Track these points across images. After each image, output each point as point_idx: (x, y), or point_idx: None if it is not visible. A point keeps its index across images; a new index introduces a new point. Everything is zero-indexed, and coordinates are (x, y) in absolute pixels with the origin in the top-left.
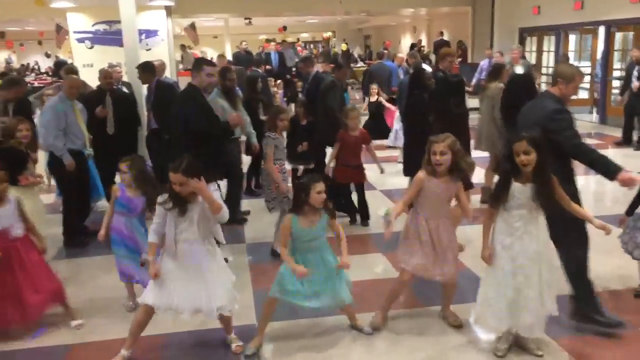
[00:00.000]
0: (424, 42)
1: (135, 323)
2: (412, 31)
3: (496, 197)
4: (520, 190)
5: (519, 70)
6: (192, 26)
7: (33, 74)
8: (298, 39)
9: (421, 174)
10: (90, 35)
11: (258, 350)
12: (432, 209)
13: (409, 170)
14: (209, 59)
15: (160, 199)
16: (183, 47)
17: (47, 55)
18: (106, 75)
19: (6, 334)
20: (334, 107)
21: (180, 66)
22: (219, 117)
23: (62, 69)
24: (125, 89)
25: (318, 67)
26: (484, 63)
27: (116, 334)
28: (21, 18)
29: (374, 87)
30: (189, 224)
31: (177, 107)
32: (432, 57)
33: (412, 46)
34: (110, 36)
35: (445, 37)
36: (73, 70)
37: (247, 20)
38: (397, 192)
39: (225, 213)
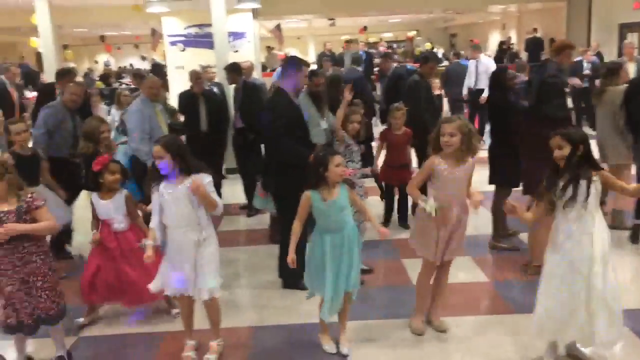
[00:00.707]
0: (513, 40)
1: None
2: (501, 28)
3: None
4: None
5: (632, 68)
6: (278, 27)
7: (129, 76)
8: (380, 39)
9: (432, 158)
10: (182, 38)
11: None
12: (447, 192)
13: (496, 178)
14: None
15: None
16: (269, 48)
17: (143, 58)
18: (197, 76)
19: (108, 317)
20: (418, 109)
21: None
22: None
23: (132, 74)
24: (216, 89)
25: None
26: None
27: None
28: (119, 23)
29: (436, 81)
30: (175, 207)
31: (267, 118)
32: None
33: (501, 44)
34: (201, 39)
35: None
36: (141, 75)
37: (331, 21)
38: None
39: (219, 208)
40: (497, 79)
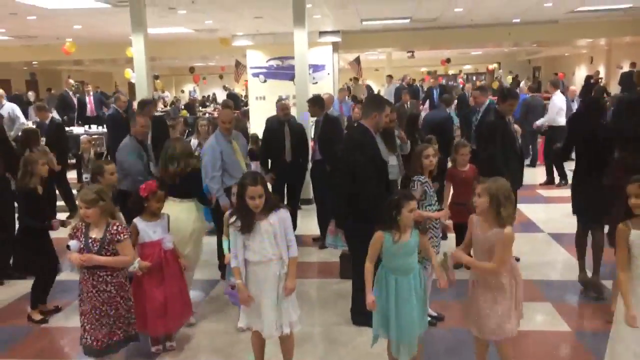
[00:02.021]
0: (601, 74)
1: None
2: (589, 62)
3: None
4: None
5: None
6: (357, 60)
7: (212, 105)
8: (460, 71)
9: (472, 215)
10: (264, 70)
11: None
12: (477, 257)
13: (579, 209)
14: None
15: (230, 219)
16: (355, 79)
17: (225, 89)
18: (283, 107)
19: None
20: (495, 154)
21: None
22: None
23: (222, 102)
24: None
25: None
26: None
27: None
28: (207, 55)
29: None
30: (259, 242)
31: (346, 152)
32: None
33: (588, 78)
34: (281, 71)
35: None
36: (227, 105)
37: (409, 53)
38: (568, 236)
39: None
40: (597, 108)
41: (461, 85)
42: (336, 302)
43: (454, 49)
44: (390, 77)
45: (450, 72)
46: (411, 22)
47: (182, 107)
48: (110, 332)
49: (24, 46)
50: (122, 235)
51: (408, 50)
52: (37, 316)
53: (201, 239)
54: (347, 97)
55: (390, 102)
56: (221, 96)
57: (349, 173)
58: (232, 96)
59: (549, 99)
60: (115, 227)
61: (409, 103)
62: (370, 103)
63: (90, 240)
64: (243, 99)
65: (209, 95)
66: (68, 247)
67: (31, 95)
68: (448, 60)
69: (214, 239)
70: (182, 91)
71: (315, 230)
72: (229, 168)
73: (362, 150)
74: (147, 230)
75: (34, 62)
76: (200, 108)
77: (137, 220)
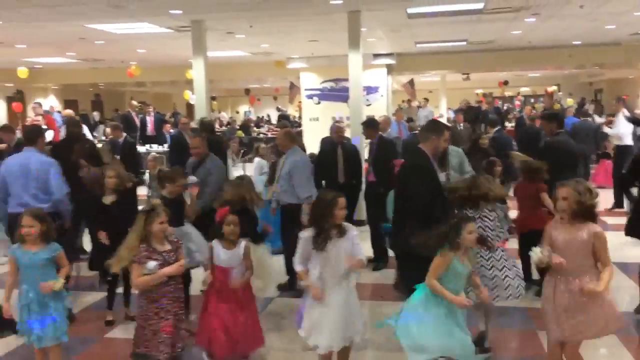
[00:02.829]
0: None
1: None
2: None
3: None
4: None
5: None
6: (411, 83)
7: (266, 125)
8: (518, 93)
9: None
10: (318, 92)
11: None
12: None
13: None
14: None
15: (307, 233)
16: (409, 101)
17: (278, 110)
18: (337, 129)
19: None
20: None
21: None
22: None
23: (278, 123)
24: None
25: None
26: None
27: None
28: (262, 77)
29: None
30: (334, 258)
31: (403, 175)
32: None
33: None
34: (335, 93)
35: None
36: (285, 125)
37: (464, 76)
38: (633, 266)
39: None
40: None
41: (517, 108)
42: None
43: (511, 71)
44: (426, 100)
45: (507, 93)
46: (467, 44)
47: (238, 127)
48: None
49: (91, 69)
50: (179, 242)
51: (463, 72)
52: (110, 316)
53: (269, 271)
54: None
55: (448, 125)
56: (275, 117)
57: (405, 196)
58: (283, 117)
59: (611, 122)
60: (172, 236)
61: (462, 125)
62: (429, 127)
63: (164, 253)
64: (297, 120)
65: (262, 116)
66: (154, 267)
67: (96, 115)
68: (505, 83)
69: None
70: (237, 112)
71: (368, 252)
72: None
73: (420, 174)
74: (220, 255)
75: (99, 84)
76: (254, 128)
77: (214, 242)
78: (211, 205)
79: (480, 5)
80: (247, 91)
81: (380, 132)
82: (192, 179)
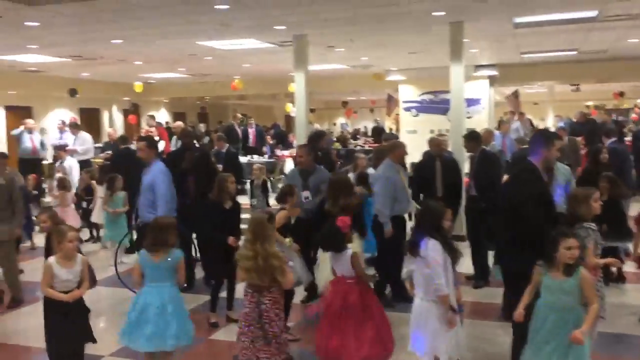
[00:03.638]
0: None
1: None
2: None
3: None
4: None
5: None
6: (515, 94)
7: (362, 138)
8: (635, 105)
9: None
10: (416, 104)
11: None
12: None
13: None
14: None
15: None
16: (512, 113)
17: (376, 122)
18: (438, 143)
19: None
20: None
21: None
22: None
23: (383, 135)
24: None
25: None
26: None
27: None
28: (359, 89)
29: None
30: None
31: (511, 190)
32: None
33: None
34: (434, 105)
35: None
36: (393, 136)
37: (573, 87)
38: None
39: None
40: None
41: (634, 120)
42: (491, 342)
43: (627, 82)
44: (512, 112)
45: (624, 106)
46: (577, 54)
47: (335, 139)
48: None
49: (198, 83)
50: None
51: (572, 83)
52: (214, 318)
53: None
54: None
55: (557, 134)
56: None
57: (513, 212)
58: (377, 129)
59: None
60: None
61: (566, 139)
62: (537, 140)
63: None
64: (393, 132)
65: (359, 128)
66: None
67: (202, 127)
68: (621, 94)
69: None
70: (334, 124)
71: (469, 268)
72: (396, 195)
73: (528, 189)
74: (336, 262)
75: (206, 97)
76: (351, 140)
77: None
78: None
79: (594, 13)
80: (345, 103)
81: (482, 146)
82: (305, 194)
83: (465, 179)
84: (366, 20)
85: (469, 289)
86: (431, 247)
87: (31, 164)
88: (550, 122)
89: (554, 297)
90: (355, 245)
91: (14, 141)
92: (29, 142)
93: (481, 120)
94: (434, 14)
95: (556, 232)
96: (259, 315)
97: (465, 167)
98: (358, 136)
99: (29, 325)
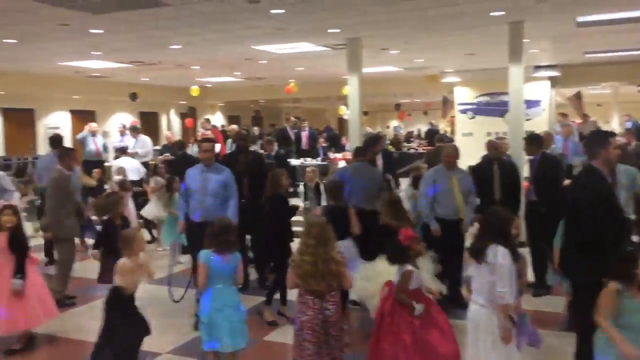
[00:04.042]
0: None
1: None
2: None
3: None
4: None
5: None
6: (578, 95)
7: (416, 141)
8: None
9: None
10: (472, 106)
11: None
12: None
13: None
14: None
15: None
16: (585, 116)
17: (431, 125)
18: (496, 146)
19: None
20: None
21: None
22: None
23: (436, 137)
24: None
25: None
26: None
27: None
28: (413, 92)
29: None
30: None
31: (573, 195)
32: None
33: None
34: (491, 107)
35: None
36: (444, 139)
37: None
38: None
39: None
40: None
41: None
42: (557, 356)
43: None
44: (563, 115)
45: None
46: None
47: (388, 142)
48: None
49: (253, 86)
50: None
51: (639, 84)
52: (269, 317)
53: None
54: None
55: (612, 132)
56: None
57: (575, 217)
58: (430, 132)
59: None
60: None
61: (633, 144)
62: (593, 142)
63: None
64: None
65: (412, 131)
66: None
67: (256, 130)
68: None
69: None
70: (387, 127)
71: (529, 276)
72: (440, 198)
73: (590, 192)
74: (396, 274)
75: (260, 101)
76: (404, 144)
77: (409, 267)
78: None
79: None
80: (398, 106)
81: (543, 149)
82: None
83: (524, 183)
84: (421, 22)
85: (528, 297)
86: (501, 255)
87: (95, 165)
88: (615, 124)
89: (632, 319)
90: (422, 261)
91: (78, 144)
92: (93, 144)
93: (541, 122)
94: (492, 14)
95: (635, 247)
96: (324, 321)
97: (525, 171)
98: (412, 139)
99: (83, 321)
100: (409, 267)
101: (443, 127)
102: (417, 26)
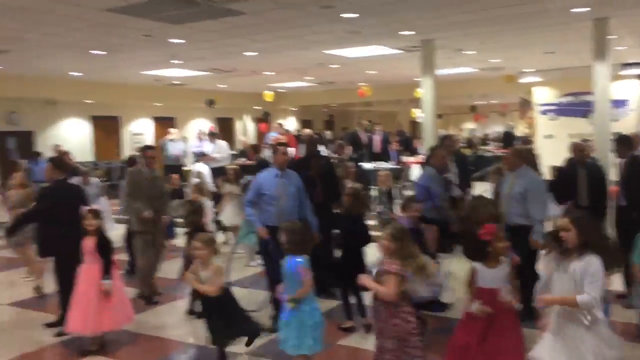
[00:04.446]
0: None
1: None
2: None
3: None
4: None
5: None
6: None
7: (493, 143)
8: None
9: None
10: (554, 107)
11: None
12: None
13: None
14: None
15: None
16: None
17: (508, 127)
18: (582, 148)
19: None
20: None
21: None
22: None
23: (516, 140)
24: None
25: None
26: None
27: None
28: (489, 93)
29: None
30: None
31: None
32: None
33: None
34: (574, 107)
35: None
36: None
37: None
38: None
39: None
40: None
41: None
42: None
43: None
44: None
45: None
46: None
47: (463, 144)
48: None
49: (325, 91)
50: (390, 268)
51: None
52: (348, 323)
53: None
54: None
55: None
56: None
57: None
58: (506, 134)
59: None
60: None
61: None
62: None
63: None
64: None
65: (487, 134)
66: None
67: (328, 134)
68: None
69: None
70: (461, 129)
71: (619, 285)
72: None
73: None
74: (485, 276)
75: (332, 105)
76: (480, 146)
77: (477, 264)
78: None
79: None
80: (473, 108)
81: (632, 151)
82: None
83: (613, 188)
84: (498, 21)
85: (618, 308)
86: (594, 263)
87: (174, 170)
88: None
89: None
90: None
91: (160, 149)
92: (173, 149)
93: (629, 123)
94: (574, 10)
95: None
96: (405, 330)
97: (612, 174)
98: (488, 142)
99: (164, 319)
100: (476, 264)
101: (522, 128)
102: (493, 25)
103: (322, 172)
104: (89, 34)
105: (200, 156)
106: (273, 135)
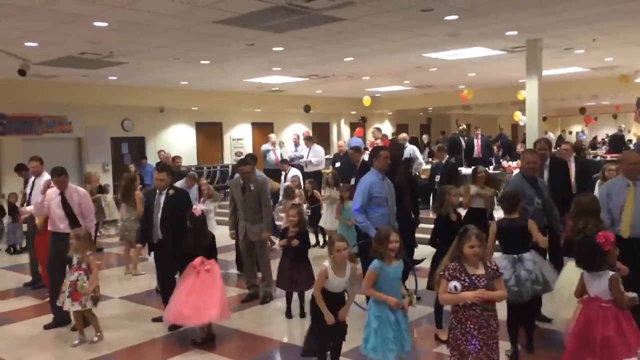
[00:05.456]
0: None
1: None
2: None
3: None
4: None
5: None
6: None
7: (604, 147)
8: None
9: None
10: None
11: None
12: None
13: None
14: None
15: None
16: None
17: (620, 130)
18: None
19: None
20: None
21: None
22: None
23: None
24: None
25: None
26: None
27: None
28: (599, 94)
29: None
30: None
31: None
32: None
33: None
34: None
35: None
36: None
37: None
38: None
39: None
40: None
41: None
42: None
43: None
44: None
45: None
46: None
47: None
48: None
49: (422, 94)
50: (499, 271)
51: None
52: (443, 336)
53: None
54: None
55: None
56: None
57: None
58: (615, 138)
59: None
60: (494, 263)
61: None
62: None
63: (474, 277)
64: None
65: (596, 136)
66: (455, 287)
67: (425, 138)
68: None
69: None
70: (570, 132)
71: None
72: (610, 209)
73: None
74: (591, 282)
75: (429, 109)
76: (589, 150)
77: (586, 273)
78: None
79: None
80: (583, 110)
81: None
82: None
83: None
84: (614, 17)
85: None
86: None
87: (274, 174)
88: None
89: None
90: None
91: (259, 154)
92: (272, 154)
93: None
94: None
95: None
96: (493, 332)
97: None
98: (597, 145)
99: (273, 319)
100: (610, 273)
101: (635, 131)
102: (607, 22)
103: (409, 178)
104: (197, 44)
105: (286, 162)
106: (355, 141)
